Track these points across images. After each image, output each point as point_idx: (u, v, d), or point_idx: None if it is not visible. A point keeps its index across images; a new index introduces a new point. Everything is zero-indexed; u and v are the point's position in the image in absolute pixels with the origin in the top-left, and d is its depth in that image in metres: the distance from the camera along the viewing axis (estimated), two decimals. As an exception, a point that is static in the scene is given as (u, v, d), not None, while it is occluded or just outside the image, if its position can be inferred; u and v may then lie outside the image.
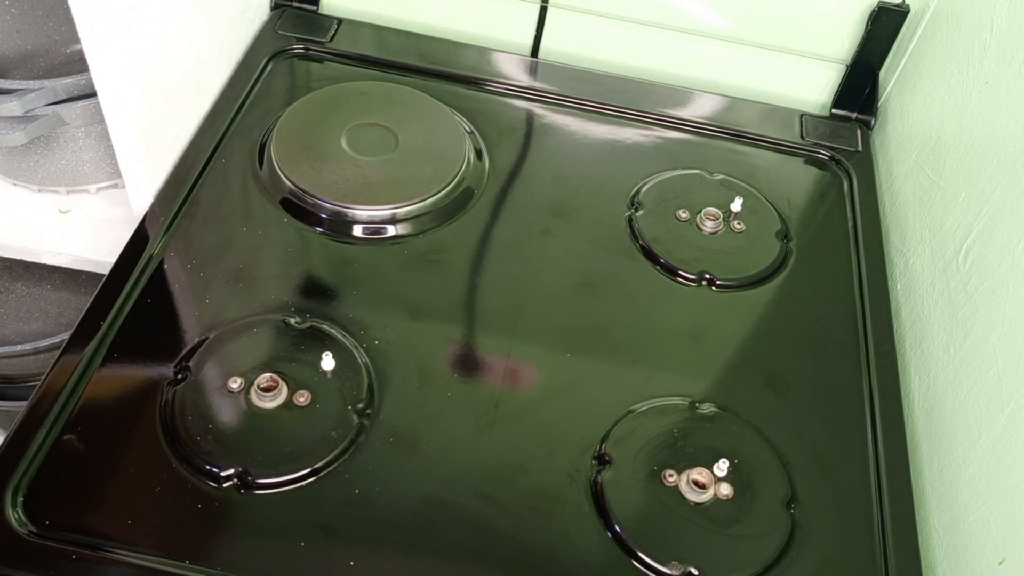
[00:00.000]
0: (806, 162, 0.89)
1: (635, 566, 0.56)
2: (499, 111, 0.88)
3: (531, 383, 0.66)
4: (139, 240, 0.70)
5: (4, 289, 0.98)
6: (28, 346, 0.81)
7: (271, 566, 0.54)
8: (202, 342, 0.63)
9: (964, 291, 0.68)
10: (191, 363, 0.62)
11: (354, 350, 0.64)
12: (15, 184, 0.81)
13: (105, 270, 0.68)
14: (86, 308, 0.64)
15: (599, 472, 0.60)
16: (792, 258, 0.78)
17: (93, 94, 0.68)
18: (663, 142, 0.88)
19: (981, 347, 0.63)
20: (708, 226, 0.78)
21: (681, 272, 0.75)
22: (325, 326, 0.65)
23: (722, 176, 0.84)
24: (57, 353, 0.61)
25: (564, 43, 0.96)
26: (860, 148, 0.90)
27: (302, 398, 0.61)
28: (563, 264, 0.74)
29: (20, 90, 0.70)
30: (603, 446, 0.62)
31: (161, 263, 0.69)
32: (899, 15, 0.87)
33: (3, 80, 0.71)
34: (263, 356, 0.63)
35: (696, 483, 0.60)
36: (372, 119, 0.81)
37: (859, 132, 0.92)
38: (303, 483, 0.57)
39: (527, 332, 0.69)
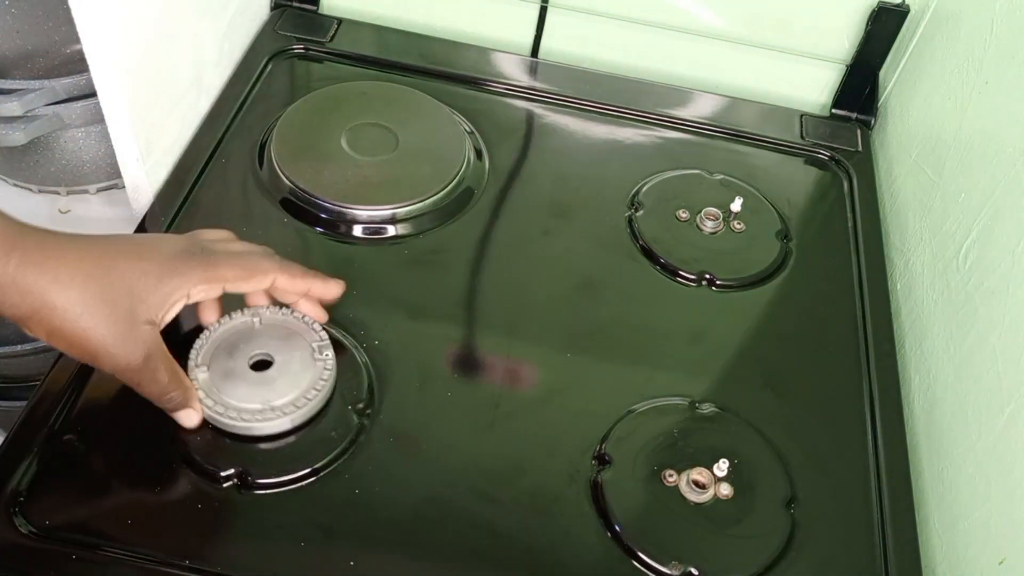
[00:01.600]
0: (806, 162, 0.89)
1: (635, 566, 0.56)
2: (499, 111, 0.88)
3: (531, 383, 0.66)
4: (139, 240, 0.70)
5: (4, 289, 0.98)
6: (28, 346, 0.81)
7: (271, 566, 0.54)
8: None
9: (964, 291, 0.68)
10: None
11: (354, 350, 0.64)
12: (15, 184, 0.81)
13: (105, 270, 0.68)
14: (86, 308, 0.64)
15: (599, 472, 0.60)
16: (792, 258, 0.78)
17: (93, 94, 0.68)
18: (663, 142, 0.88)
19: (981, 347, 0.63)
20: (708, 226, 0.78)
21: (681, 272, 0.75)
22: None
23: (722, 176, 0.84)
24: (57, 353, 0.61)
25: (564, 43, 0.96)
26: (860, 148, 0.90)
27: (302, 398, 0.61)
28: (563, 264, 0.74)
29: (20, 90, 0.70)
30: (603, 446, 0.62)
31: (161, 263, 0.68)
32: (899, 15, 0.87)
33: (3, 80, 0.71)
34: (263, 356, 0.63)
35: (696, 483, 0.60)
36: (372, 119, 0.81)
37: (859, 132, 0.92)
38: (303, 483, 0.57)
39: (527, 332, 0.69)
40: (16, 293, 0.47)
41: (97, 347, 0.49)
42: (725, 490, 0.60)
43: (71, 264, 0.48)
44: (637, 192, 0.81)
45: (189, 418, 0.56)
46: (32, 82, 0.70)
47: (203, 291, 0.55)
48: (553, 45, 0.96)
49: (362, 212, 0.74)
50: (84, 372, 0.60)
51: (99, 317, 0.49)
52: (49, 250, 0.48)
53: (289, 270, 0.58)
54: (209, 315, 0.59)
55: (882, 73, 0.92)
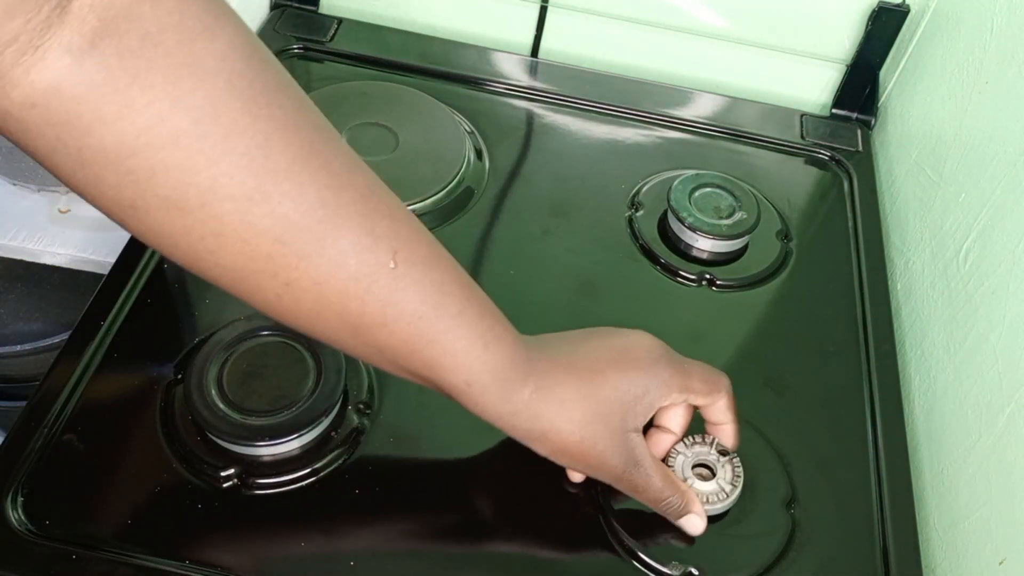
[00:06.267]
0: (806, 162, 0.89)
1: (635, 566, 0.56)
2: (499, 111, 0.88)
3: (531, 383, 0.66)
4: (139, 240, 0.70)
5: (4, 289, 0.98)
6: (28, 346, 0.81)
7: (271, 566, 0.54)
8: (202, 342, 0.63)
9: (964, 291, 0.68)
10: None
11: (354, 350, 0.64)
12: (15, 184, 0.81)
13: (105, 270, 0.68)
14: (86, 308, 0.64)
15: (599, 472, 0.60)
16: (792, 258, 0.78)
17: (93, 94, 0.68)
18: (663, 142, 0.88)
19: (981, 347, 0.63)
20: (708, 226, 0.78)
21: (681, 272, 0.75)
22: (325, 326, 0.65)
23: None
24: (57, 353, 0.61)
25: (564, 43, 0.96)
26: (860, 148, 0.90)
27: (302, 398, 0.61)
28: (563, 264, 0.74)
29: (20, 90, 0.70)
30: (603, 446, 0.62)
31: (161, 263, 0.68)
32: (899, 15, 0.87)
33: (3, 80, 0.71)
34: (263, 356, 0.63)
35: (696, 483, 0.60)
36: (372, 119, 0.81)
37: (859, 132, 0.92)
38: (303, 483, 0.57)
39: (527, 332, 0.69)
40: (528, 418, 0.50)
41: (597, 460, 0.52)
42: (725, 490, 0.60)
43: (571, 386, 0.51)
44: (637, 192, 0.81)
45: (692, 524, 0.56)
46: (32, 82, 0.70)
47: (675, 399, 0.55)
48: (553, 45, 0.96)
49: (362, 212, 0.74)
50: (84, 372, 0.61)
51: (597, 434, 0.51)
52: (553, 375, 0.51)
53: (731, 395, 0.58)
54: (675, 420, 0.57)
55: (882, 73, 0.92)
